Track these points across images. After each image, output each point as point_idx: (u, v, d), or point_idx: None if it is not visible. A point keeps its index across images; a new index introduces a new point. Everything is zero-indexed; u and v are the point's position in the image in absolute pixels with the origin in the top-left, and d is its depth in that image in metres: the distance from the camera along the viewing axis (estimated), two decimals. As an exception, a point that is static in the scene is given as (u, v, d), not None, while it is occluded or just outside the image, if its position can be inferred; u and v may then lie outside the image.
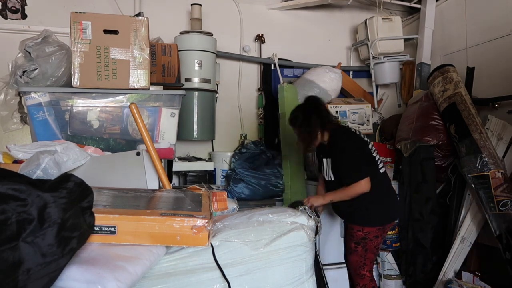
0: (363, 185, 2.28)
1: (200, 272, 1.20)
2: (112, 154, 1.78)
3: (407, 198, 2.99)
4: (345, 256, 2.56)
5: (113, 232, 1.06)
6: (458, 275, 2.73)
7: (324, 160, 2.50)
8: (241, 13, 3.77)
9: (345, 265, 3.09)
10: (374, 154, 2.45)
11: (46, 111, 1.80)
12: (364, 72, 4.00)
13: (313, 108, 2.44)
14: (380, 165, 2.46)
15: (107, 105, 1.86)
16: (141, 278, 1.05)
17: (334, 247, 3.03)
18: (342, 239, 3.06)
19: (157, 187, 1.61)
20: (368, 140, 2.51)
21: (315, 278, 1.42)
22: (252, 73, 3.83)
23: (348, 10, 4.04)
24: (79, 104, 1.83)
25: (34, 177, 1.37)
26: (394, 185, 3.21)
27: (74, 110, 1.83)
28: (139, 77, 1.82)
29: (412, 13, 3.98)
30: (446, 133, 2.83)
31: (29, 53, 1.88)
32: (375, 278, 3.16)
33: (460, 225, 2.75)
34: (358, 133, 2.51)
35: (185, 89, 2.79)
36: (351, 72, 4.00)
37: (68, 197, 0.91)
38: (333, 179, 2.43)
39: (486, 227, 2.65)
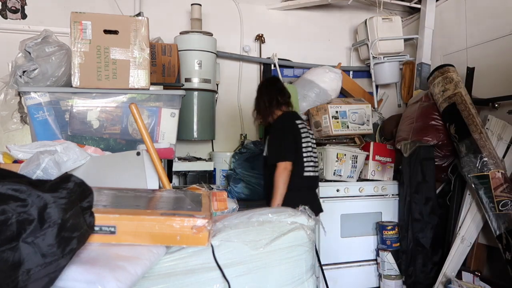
0: (282, 167, 2.36)
1: (200, 272, 1.20)
2: (112, 154, 1.78)
3: (407, 198, 2.99)
4: None
5: (113, 232, 1.06)
6: (458, 275, 2.73)
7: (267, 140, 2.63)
8: (241, 13, 3.77)
9: (345, 265, 3.10)
10: (307, 154, 2.52)
11: (46, 111, 1.80)
12: (364, 72, 4.00)
13: (264, 88, 2.66)
14: (308, 168, 2.52)
15: (107, 105, 1.86)
16: (141, 278, 1.05)
17: (334, 247, 3.03)
18: (342, 239, 3.07)
19: (157, 187, 1.61)
20: (309, 137, 2.57)
21: (315, 278, 1.42)
22: (252, 73, 3.83)
23: (348, 10, 4.04)
24: (79, 104, 1.83)
25: (34, 177, 1.37)
26: (394, 185, 3.23)
27: (74, 110, 1.83)
28: (139, 77, 1.82)
29: (412, 13, 3.99)
30: (446, 133, 2.83)
31: (29, 53, 1.88)
32: (375, 278, 3.17)
33: (460, 225, 2.75)
34: (302, 125, 2.56)
35: (185, 89, 2.79)
36: (351, 72, 4.00)
37: (68, 197, 0.91)
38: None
39: (486, 227, 2.65)
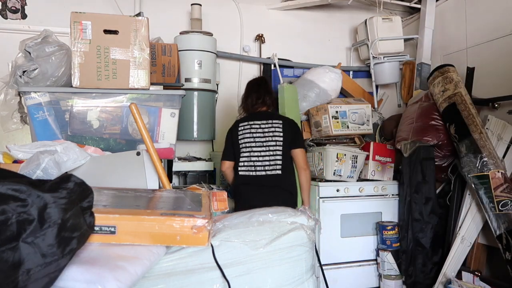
0: (221, 166, 2.75)
1: (200, 272, 1.20)
2: (112, 154, 1.78)
3: (407, 198, 2.99)
4: None
5: (113, 232, 1.06)
6: (458, 275, 2.73)
7: None
8: (241, 13, 3.77)
9: (345, 265, 3.10)
10: (244, 155, 2.65)
11: (46, 111, 1.80)
12: (364, 72, 4.00)
13: (250, 89, 2.86)
14: (243, 168, 2.64)
15: (107, 105, 1.86)
16: (141, 278, 1.05)
17: (334, 247, 3.03)
18: (342, 239, 3.07)
19: (157, 187, 1.61)
20: (251, 139, 2.65)
21: (315, 278, 1.42)
22: (252, 73, 3.82)
23: (348, 10, 4.05)
24: (79, 104, 1.83)
25: (34, 177, 1.37)
26: (394, 185, 3.23)
27: (74, 110, 1.83)
28: (139, 77, 1.82)
29: (412, 13, 3.99)
30: (446, 133, 2.83)
31: (29, 53, 1.88)
32: (375, 278, 3.17)
33: (460, 225, 2.75)
34: (248, 127, 2.68)
35: (185, 89, 2.79)
36: (351, 72, 4.00)
37: (68, 197, 0.91)
38: None
39: (486, 227, 2.65)
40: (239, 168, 2.65)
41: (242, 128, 2.69)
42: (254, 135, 2.65)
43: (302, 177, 2.68)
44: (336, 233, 3.05)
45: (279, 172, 2.59)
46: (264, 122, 2.67)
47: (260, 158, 2.61)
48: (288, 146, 2.64)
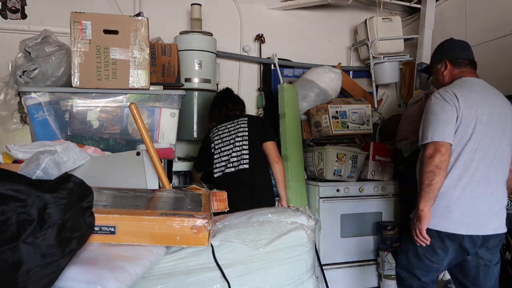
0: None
1: (200, 272, 1.21)
2: (112, 154, 1.78)
3: (407, 198, 2.98)
4: None
5: (113, 232, 1.06)
6: (458, 275, 2.72)
7: None
8: (241, 13, 3.77)
9: (345, 265, 3.10)
10: (216, 156, 2.70)
11: (46, 111, 1.80)
12: (364, 72, 4.00)
13: (212, 101, 2.97)
14: (215, 170, 2.68)
15: (107, 105, 1.86)
16: (141, 278, 1.05)
17: (334, 247, 3.03)
18: (342, 239, 3.07)
19: (157, 187, 1.61)
20: (221, 138, 2.71)
21: (315, 278, 1.42)
22: (252, 73, 3.83)
23: (348, 10, 4.04)
24: (79, 104, 1.83)
25: (34, 177, 1.37)
26: (394, 185, 3.23)
27: (74, 110, 1.83)
28: (139, 77, 1.82)
29: (412, 13, 3.99)
30: (446, 133, 2.82)
31: (29, 53, 1.88)
32: (375, 278, 3.17)
33: (460, 225, 2.74)
34: (215, 131, 2.77)
35: (185, 89, 2.79)
36: (351, 72, 4.00)
37: (68, 197, 0.91)
38: None
39: (486, 227, 2.64)
40: (214, 171, 2.70)
41: (212, 134, 2.77)
42: (221, 136, 2.71)
43: (275, 170, 2.65)
44: (336, 233, 3.05)
45: (246, 166, 2.60)
46: (230, 122, 2.74)
47: (229, 156, 2.65)
48: (258, 140, 2.66)
